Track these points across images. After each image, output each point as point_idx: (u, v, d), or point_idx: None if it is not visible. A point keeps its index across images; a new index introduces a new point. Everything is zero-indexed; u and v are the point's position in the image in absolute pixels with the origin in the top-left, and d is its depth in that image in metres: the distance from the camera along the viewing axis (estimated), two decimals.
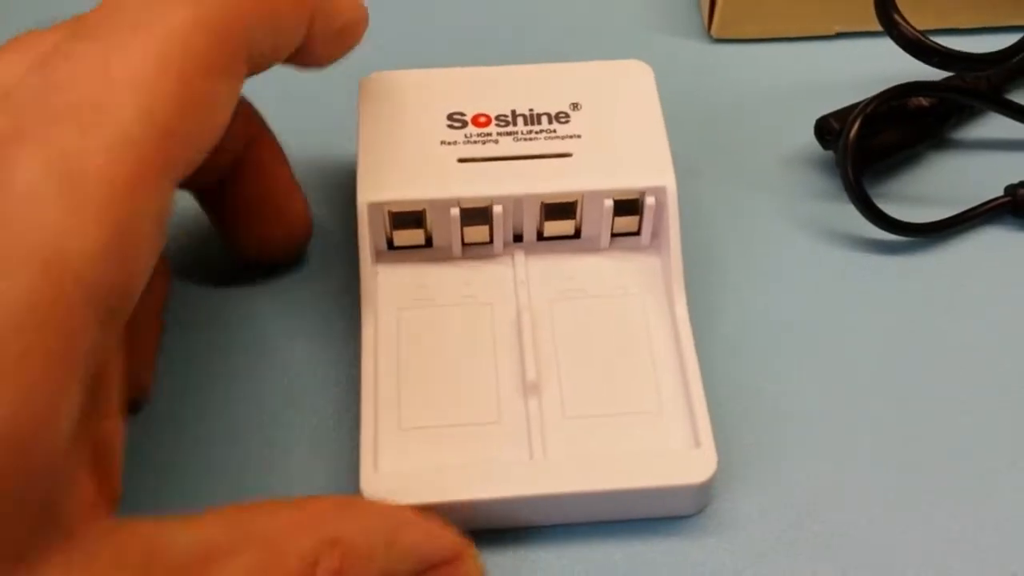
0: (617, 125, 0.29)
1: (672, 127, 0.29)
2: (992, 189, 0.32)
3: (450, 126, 0.29)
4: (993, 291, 0.31)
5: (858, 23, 0.36)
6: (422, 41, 0.37)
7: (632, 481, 0.25)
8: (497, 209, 0.28)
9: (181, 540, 0.19)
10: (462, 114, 0.29)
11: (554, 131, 0.29)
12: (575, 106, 0.30)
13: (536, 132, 0.29)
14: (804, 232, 0.32)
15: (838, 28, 0.37)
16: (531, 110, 0.29)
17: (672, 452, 0.26)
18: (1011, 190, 0.32)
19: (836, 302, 0.30)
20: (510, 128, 0.29)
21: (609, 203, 0.28)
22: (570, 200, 0.28)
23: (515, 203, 0.28)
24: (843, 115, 0.32)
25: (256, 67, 0.22)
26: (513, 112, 0.29)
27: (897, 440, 0.28)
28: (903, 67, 0.31)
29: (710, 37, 0.37)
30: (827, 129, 0.33)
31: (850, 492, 0.27)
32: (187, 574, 0.18)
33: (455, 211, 0.28)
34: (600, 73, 0.30)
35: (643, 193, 0.28)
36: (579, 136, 0.29)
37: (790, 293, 0.31)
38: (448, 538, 0.22)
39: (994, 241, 0.32)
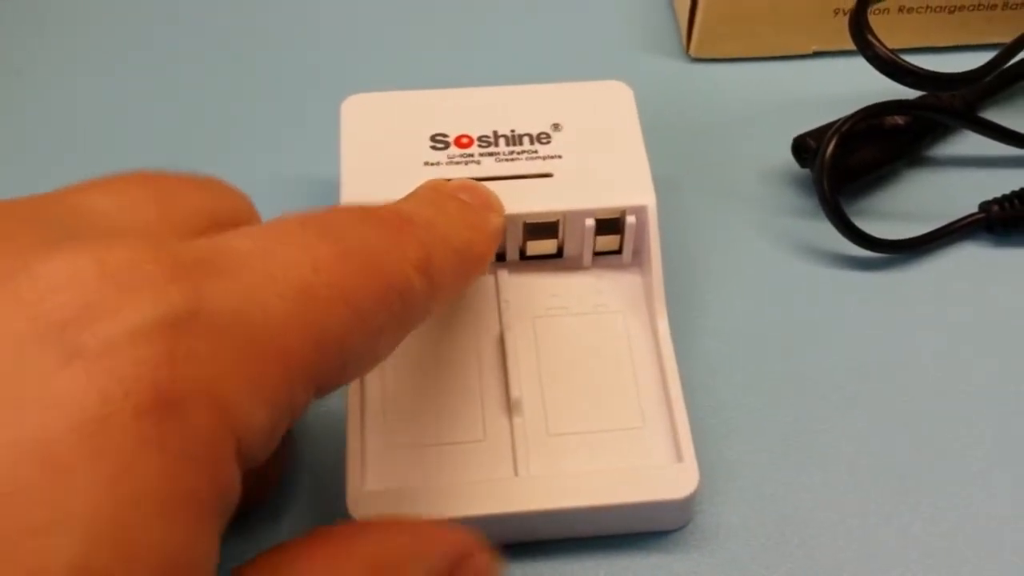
0: (597, 145, 0.30)
1: (652, 145, 0.30)
2: (967, 206, 0.33)
3: (433, 147, 0.29)
4: (968, 306, 0.31)
5: (834, 42, 0.37)
6: (404, 63, 0.38)
7: (616, 497, 0.25)
8: None
9: None
10: (444, 135, 0.30)
11: (535, 151, 0.29)
12: (556, 127, 0.30)
13: (518, 153, 0.29)
14: (783, 249, 0.32)
15: (814, 47, 0.38)
16: (513, 131, 0.30)
17: (655, 467, 0.26)
18: (985, 207, 0.33)
19: (815, 318, 0.31)
20: (492, 149, 0.29)
21: (591, 222, 0.28)
22: (552, 220, 0.29)
23: None
24: (819, 134, 0.33)
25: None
26: (495, 133, 0.30)
27: (877, 453, 0.28)
28: (879, 86, 0.32)
29: (688, 56, 0.38)
30: (804, 147, 0.33)
31: (831, 505, 0.27)
32: None
33: None
34: (581, 94, 0.31)
35: (624, 212, 0.29)
36: (560, 156, 0.29)
37: (769, 310, 0.31)
38: (452, 538, 0.22)
39: (969, 257, 0.32)
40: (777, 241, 0.33)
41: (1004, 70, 0.34)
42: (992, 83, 0.35)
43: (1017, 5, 0.37)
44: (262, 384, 0.17)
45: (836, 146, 0.32)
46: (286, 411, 0.18)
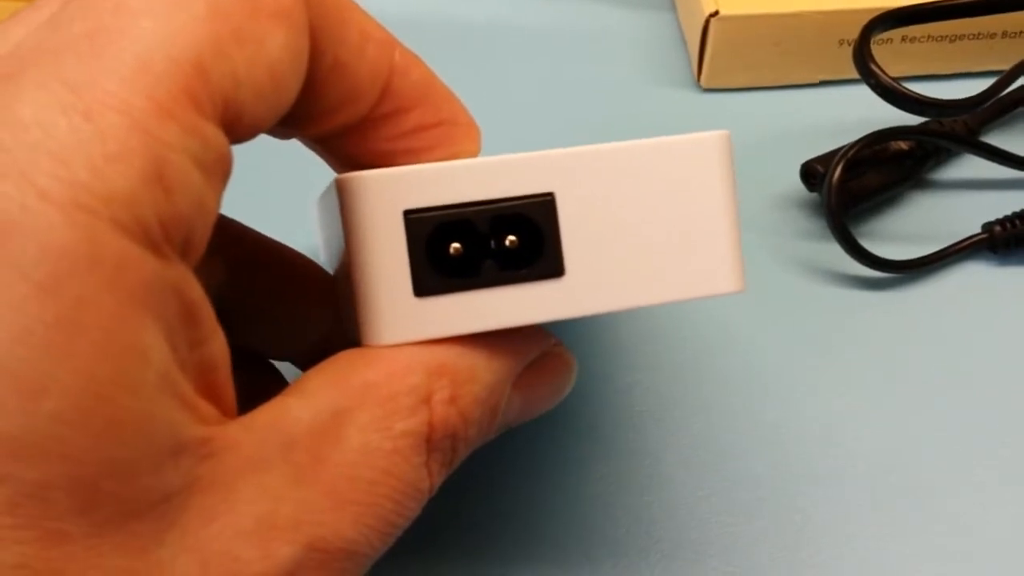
0: None
1: None
2: (970, 226, 0.34)
3: None
4: (972, 323, 0.32)
5: (840, 72, 0.38)
6: None
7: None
8: None
9: (305, 416, 0.18)
10: None
11: None
12: None
13: None
14: (792, 270, 0.33)
15: (821, 77, 0.39)
16: None
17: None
18: (988, 227, 0.34)
19: (823, 337, 0.32)
20: None
21: None
22: None
23: None
24: (827, 159, 0.34)
25: (323, 44, 0.19)
26: None
27: (882, 467, 0.29)
28: (883, 113, 0.33)
29: (699, 87, 0.39)
30: (812, 173, 0.34)
31: (844, 523, 0.28)
32: (319, 444, 0.18)
33: None
34: None
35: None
36: None
37: (779, 329, 0.32)
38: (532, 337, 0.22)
39: (972, 276, 0.33)
40: (787, 262, 0.34)
41: (1004, 96, 0.35)
42: (992, 108, 0.36)
43: (1015, 34, 0.38)
44: None
45: (843, 171, 0.33)
46: None
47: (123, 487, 0.15)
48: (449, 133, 0.21)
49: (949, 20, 0.35)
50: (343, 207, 0.20)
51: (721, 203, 0.21)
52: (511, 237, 0.20)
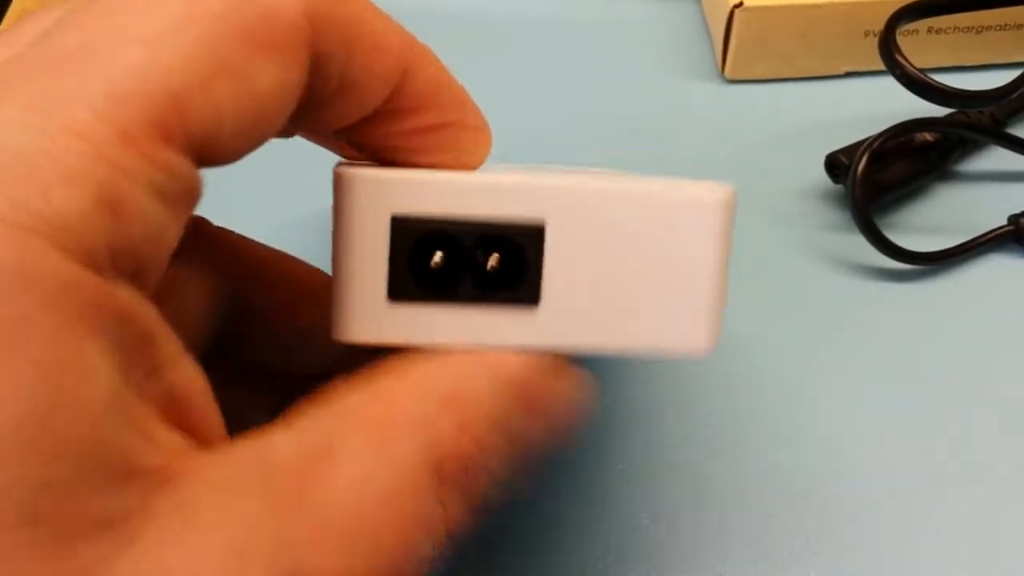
0: None
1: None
2: (996, 218, 0.34)
3: None
4: (997, 315, 0.32)
5: (865, 63, 0.38)
6: None
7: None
8: None
9: (289, 447, 0.17)
10: None
11: None
12: None
13: None
14: (817, 262, 0.33)
15: (846, 68, 0.39)
16: None
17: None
18: (1014, 219, 0.34)
19: (848, 328, 0.32)
20: None
21: None
22: None
23: None
24: (852, 151, 0.34)
25: (328, 71, 0.19)
26: None
27: (902, 462, 0.29)
28: (909, 104, 0.33)
29: (724, 78, 0.39)
30: (837, 164, 0.34)
31: (861, 514, 0.28)
32: (306, 474, 0.17)
33: None
34: None
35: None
36: None
37: (804, 320, 0.32)
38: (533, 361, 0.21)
39: (998, 268, 0.33)
40: (812, 254, 0.34)
41: None
42: (1019, 100, 0.36)
43: None
44: None
45: (868, 162, 0.32)
46: None
47: (61, 506, 0.15)
48: (455, 136, 0.21)
49: (975, 11, 0.35)
50: (335, 200, 0.20)
51: (711, 265, 0.21)
52: (494, 257, 0.20)
